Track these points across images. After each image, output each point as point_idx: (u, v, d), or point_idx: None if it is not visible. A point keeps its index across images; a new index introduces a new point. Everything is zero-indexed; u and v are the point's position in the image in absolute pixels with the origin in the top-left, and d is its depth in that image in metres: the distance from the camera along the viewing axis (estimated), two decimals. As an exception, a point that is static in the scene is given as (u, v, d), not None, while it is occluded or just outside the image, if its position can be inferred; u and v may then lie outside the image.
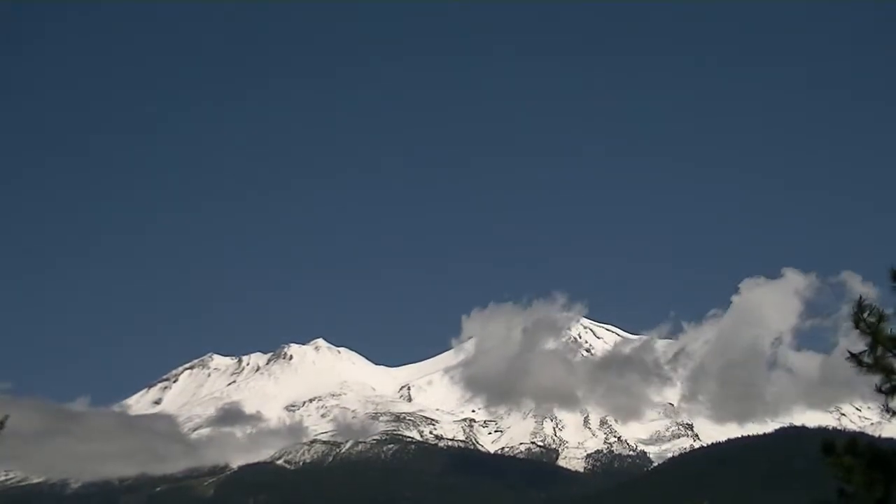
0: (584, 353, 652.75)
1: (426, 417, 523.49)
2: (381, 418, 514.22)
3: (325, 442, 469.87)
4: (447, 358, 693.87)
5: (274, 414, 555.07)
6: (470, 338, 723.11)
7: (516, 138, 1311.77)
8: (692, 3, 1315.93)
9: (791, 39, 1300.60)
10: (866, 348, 22.86)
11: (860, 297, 22.26)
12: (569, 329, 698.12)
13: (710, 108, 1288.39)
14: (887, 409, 23.45)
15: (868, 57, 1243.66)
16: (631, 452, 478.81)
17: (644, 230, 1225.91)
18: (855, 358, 22.94)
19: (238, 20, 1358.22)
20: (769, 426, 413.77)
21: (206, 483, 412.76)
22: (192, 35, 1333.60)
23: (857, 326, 22.28)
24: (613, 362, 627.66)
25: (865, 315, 22.12)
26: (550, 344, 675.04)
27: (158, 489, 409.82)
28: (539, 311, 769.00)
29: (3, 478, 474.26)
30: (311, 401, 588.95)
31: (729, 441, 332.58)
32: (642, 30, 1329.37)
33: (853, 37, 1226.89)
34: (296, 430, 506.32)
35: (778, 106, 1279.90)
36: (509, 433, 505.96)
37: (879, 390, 22.89)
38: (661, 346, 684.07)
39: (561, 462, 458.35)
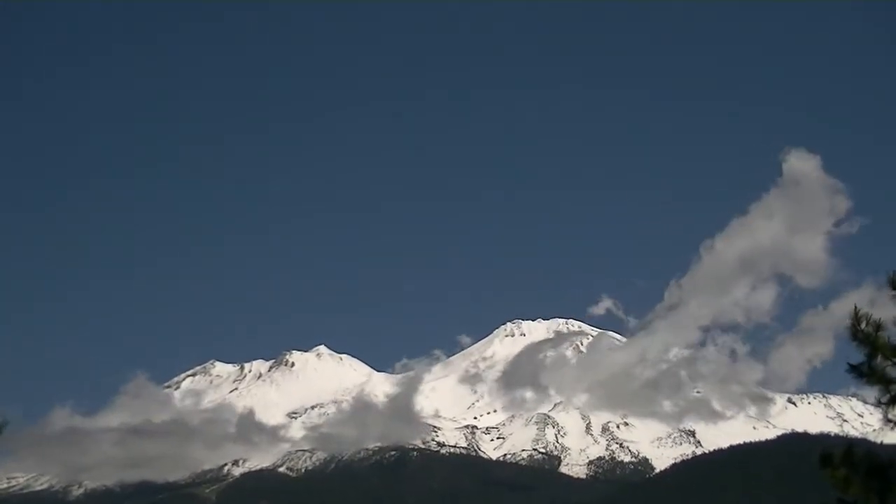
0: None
1: (428, 424, 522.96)
2: (382, 425, 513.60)
3: (327, 449, 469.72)
4: (450, 364, 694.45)
5: (276, 421, 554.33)
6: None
7: (520, 141, 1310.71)
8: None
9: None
10: (865, 359, 22.72)
11: (856, 307, 22.09)
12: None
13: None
14: (887, 420, 23.33)
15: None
16: (633, 459, 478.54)
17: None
18: (854, 369, 22.83)
19: (238, 21, 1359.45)
20: (771, 432, 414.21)
21: (207, 490, 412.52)
22: (193, 36, 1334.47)
23: (854, 337, 22.11)
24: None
25: (862, 325, 21.97)
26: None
27: (161, 496, 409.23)
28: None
29: (5, 485, 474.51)
30: (312, 408, 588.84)
31: (731, 447, 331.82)
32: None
33: None
34: (298, 436, 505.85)
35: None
36: (511, 440, 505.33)
37: (879, 402, 22.76)
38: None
39: (563, 468, 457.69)
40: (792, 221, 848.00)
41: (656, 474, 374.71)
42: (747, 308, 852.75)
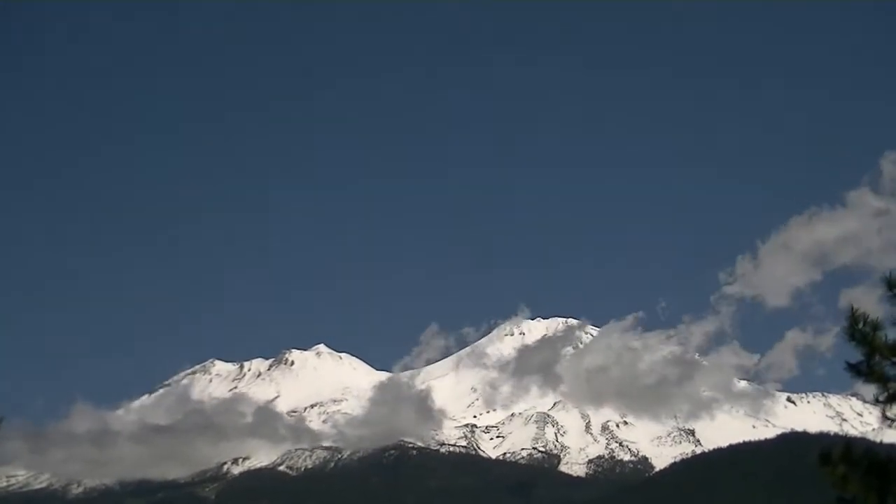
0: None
1: (427, 423, 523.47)
2: (382, 424, 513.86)
3: (326, 448, 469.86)
4: (449, 363, 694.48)
5: (275, 420, 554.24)
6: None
7: (520, 142, 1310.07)
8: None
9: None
10: (864, 358, 22.89)
11: (852, 307, 22.25)
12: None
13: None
14: (885, 418, 23.49)
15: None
16: (632, 458, 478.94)
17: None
18: (852, 367, 22.99)
19: (234, 20, 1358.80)
20: (771, 431, 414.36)
21: (207, 489, 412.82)
22: (188, 36, 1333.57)
23: (852, 337, 22.28)
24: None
25: (860, 325, 22.14)
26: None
27: (160, 495, 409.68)
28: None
29: (5, 483, 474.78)
30: (312, 406, 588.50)
31: (730, 446, 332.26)
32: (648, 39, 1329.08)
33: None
34: (297, 435, 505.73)
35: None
36: (511, 438, 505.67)
37: (877, 400, 22.93)
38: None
39: (563, 467, 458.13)
40: (879, 222, 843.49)
41: (656, 473, 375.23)
42: (797, 300, 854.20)
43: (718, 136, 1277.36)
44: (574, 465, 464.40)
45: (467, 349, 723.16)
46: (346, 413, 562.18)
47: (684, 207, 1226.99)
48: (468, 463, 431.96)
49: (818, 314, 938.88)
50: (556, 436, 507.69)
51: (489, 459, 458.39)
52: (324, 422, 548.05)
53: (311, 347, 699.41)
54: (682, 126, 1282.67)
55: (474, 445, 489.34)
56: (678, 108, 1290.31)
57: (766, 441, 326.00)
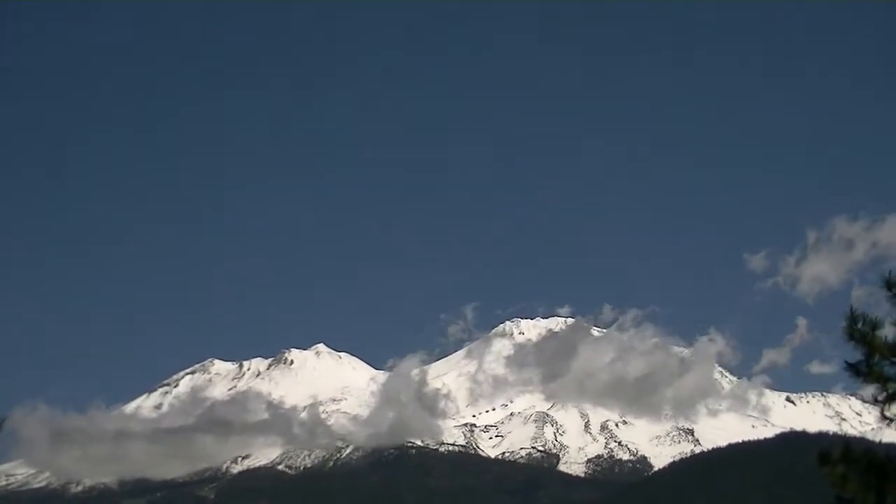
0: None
1: (426, 422, 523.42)
2: (381, 424, 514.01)
3: (326, 447, 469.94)
4: (448, 363, 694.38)
5: (275, 419, 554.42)
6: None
7: (521, 139, 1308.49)
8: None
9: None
10: (863, 358, 22.94)
11: (851, 308, 22.31)
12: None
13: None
14: (884, 417, 23.56)
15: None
16: (631, 457, 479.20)
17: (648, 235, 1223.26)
18: (851, 367, 23.06)
19: (234, 18, 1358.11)
20: (770, 431, 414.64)
21: (206, 488, 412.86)
22: (181, 34, 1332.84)
23: (851, 337, 22.33)
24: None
25: (859, 325, 22.19)
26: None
27: (159, 494, 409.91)
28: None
29: (5, 482, 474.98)
30: (312, 406, 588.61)
31: (730, 446, 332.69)
32: (644, 27, 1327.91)
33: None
34: (297, 435, 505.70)
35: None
36: (510, 438, 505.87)
37: (876, 400, 22.98)
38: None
39: (562, 467, 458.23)
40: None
41: (655, 472, 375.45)
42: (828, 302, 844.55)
43: (785, 134, 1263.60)
44: (573, 464, 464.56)
45: (467, 348, 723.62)
46: (345, 412, 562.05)
47: (719, 203, 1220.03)
48: (467, 462, 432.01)
49: (835, 314, 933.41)
50: (555, 435, 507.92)
51: (488, 459, 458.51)
52: (323, 421, 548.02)
53: (310, 347, 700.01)
54: (743, 121, 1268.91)
55: (473, 445, 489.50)
56: (729, 101, 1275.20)
57: (766, 441, 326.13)
